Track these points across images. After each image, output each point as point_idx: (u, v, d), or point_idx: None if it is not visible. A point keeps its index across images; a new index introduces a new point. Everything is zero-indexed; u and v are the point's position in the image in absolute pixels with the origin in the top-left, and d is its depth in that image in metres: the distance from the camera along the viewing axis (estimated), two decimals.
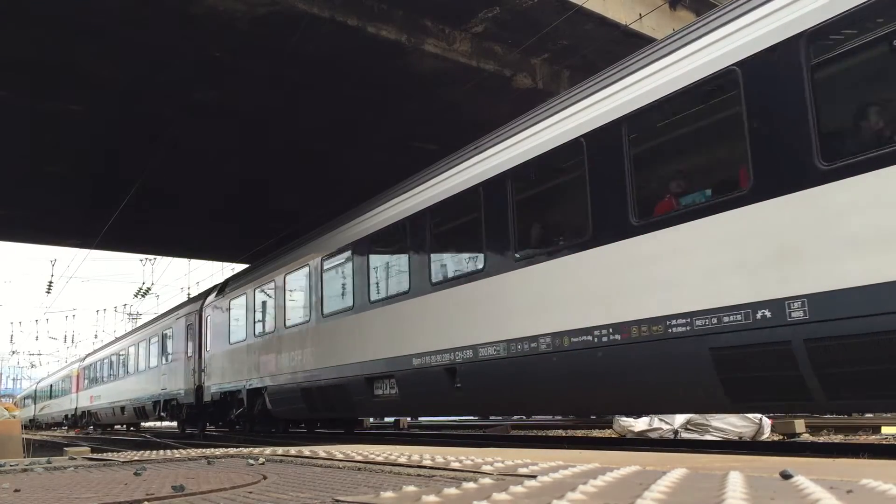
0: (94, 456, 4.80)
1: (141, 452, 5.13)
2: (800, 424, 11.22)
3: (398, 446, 5.14)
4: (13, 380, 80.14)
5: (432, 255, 9.64)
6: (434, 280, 9.49)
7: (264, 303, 15.07)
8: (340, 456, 3.93)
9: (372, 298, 10.91)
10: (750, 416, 10.95)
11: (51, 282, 38.57)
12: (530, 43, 14.02)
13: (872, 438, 10.61)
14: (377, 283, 10.97)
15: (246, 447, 5.49)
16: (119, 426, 32.70)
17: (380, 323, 10.59)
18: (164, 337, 22.28)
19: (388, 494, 2.11)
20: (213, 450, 5.03)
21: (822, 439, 10.77)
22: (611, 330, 6.69)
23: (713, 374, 5.82)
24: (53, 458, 4.75)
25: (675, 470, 2.54)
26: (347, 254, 11.74)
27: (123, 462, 4.09)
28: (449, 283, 9.20)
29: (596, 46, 14.34)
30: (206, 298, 19.39)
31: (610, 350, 6.69)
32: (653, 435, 12.20)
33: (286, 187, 21.69)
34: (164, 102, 15.78)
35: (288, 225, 21.74)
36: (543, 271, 7.64)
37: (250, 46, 13.72)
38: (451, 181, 9.37)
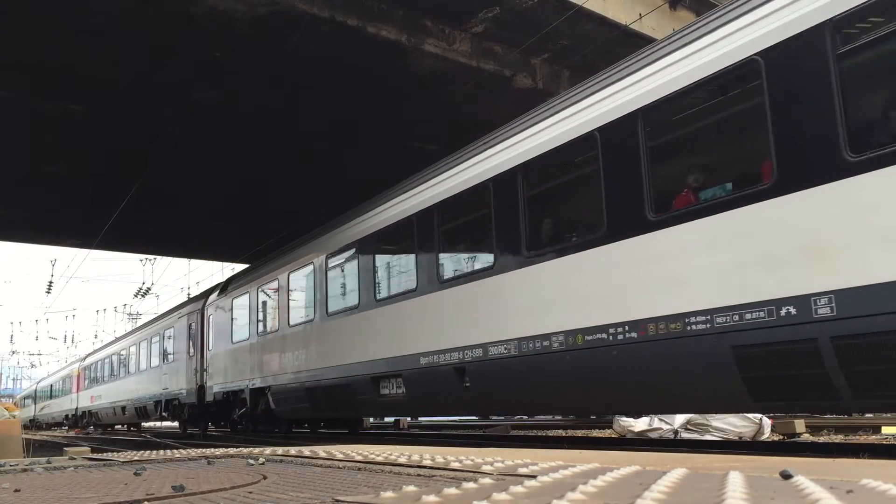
0: (94, 456, 4.80)
1: (141, 452, 5.13)
2: (800, 424, 11.20)
3: (398, 446, 5.13)
4: (13, 380, 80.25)
5: (440, 253, 9.50)
6: (442, 278, 9.36)
7: (267, 302, 14.97)
8: (340, 456, 3.93)
9: (378, 297, 10.76)
10: (750, 415, 10.92)
11: (51, 282, 38.73)
12: (530, 43, 14.03)
13: (872, 438, 10.61)
14: (383, 281, 10.83)
15: (246, 447, 5.49)
16: (119, 426, 32.70)
17: (386, 321, 10.44)
18: (165, 336, 22.25)
19: (388, 494, 2.11)
20: (213, 450, 5.03)
21: (822, 439, 10.76)
22: (627, 328, 6.55)
23: (735, 372, 5.69)
24: (53, 458, 4.75)
25: (675, 470, 2.54)
26: (353, 251, 11.59)
27: (123, 462, 4.09)
28: (458, 280, 9.04)
29: (596, 46, 14.35)
30: (207, 298, 19.35)
31: (625, 348, 6.55)
32: (653, 435, 12.18)
33: (286, 187, 21.69)
34: (164, 102, 15.78)
35: (288, 225, 21.74)
36: (556, 268, 7.49)
37: (250, 46, 13.72)
38: (459, 177, 9.22)
